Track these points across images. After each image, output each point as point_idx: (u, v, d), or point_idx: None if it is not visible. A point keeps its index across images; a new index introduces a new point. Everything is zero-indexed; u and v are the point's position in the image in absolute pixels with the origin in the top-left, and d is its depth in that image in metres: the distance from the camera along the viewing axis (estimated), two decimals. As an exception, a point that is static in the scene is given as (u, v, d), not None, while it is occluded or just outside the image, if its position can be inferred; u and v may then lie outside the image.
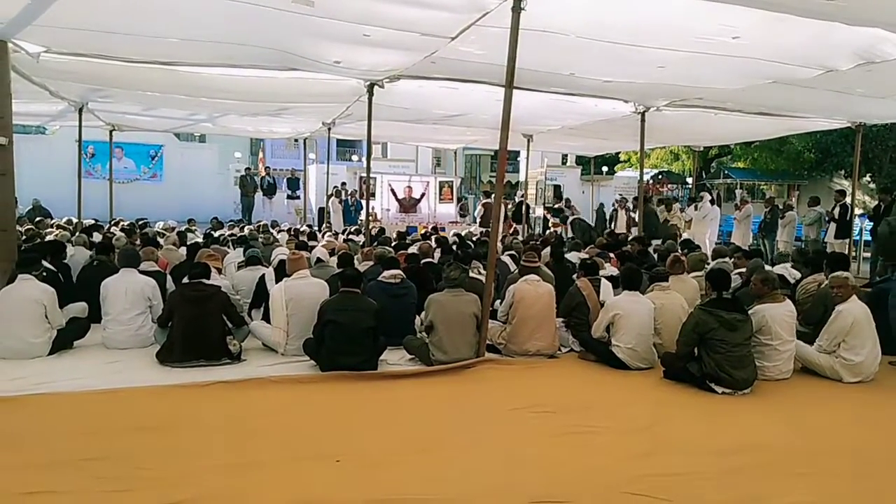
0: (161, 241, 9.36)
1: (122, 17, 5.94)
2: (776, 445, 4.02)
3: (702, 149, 17.45)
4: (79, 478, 3.22)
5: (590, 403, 4.74)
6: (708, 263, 7.89)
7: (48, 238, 8.99)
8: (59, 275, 6.40)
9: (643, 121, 9.88)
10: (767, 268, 6.75)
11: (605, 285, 6.31)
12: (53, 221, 12.92)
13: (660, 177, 25.21)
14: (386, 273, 6.02)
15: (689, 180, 22.42)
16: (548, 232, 15.29)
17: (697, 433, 4.21)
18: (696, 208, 13.64)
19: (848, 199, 11.70)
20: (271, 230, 12.06)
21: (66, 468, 3.33)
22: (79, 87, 9.54)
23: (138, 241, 8.99)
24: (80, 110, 11.35)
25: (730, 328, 4.89)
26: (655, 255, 8.53)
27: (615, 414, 4.52)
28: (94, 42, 6.84)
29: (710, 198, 14.56)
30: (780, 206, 13.48)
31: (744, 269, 7.20)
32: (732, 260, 7.90)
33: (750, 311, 5.16)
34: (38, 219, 13.22)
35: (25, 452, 3.52)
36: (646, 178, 16.57)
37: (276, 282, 6.08)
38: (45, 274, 5.85)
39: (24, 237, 9.03)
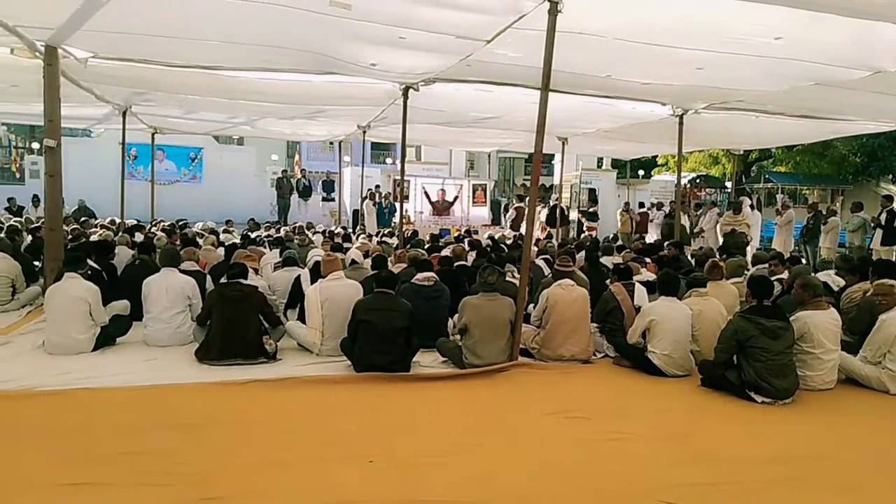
0: (200, 241, 9.56)
1: (165, 21, 6.09)
2: (818, 457, 3.91)
3: (742, 152, 17.09)
4: (121, 471, 3.31)
5: (625, 410, 4.68)
6: (747, 269, 7.72)
7: (93, 238, 9.26)
8: (104, 273, 6.58)
9: (681, 124, 9.72)
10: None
11: (640, 290, 6.23)
12: (97, 221, 13.31)
13: (698, 181, 24.73)
14: (419, 275, 6.04)
15: (729, 184, 21.97)
16: (582, 236, 15.14)
17: (736, 442, 4.12)
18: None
19: (895, 205, 11.31)
20: (306, 232, 12.23)
21: (110, 461, 3.42)
22: (123, 90, 9.80)
23: (178, 242, 9.20)
24: (124, 113, 11.67)
25: (771, 336, 4.77)
26: (693, 261, 8.38)
27: (651, 421, 4.45)
28: (138, 47, 7.03)
29: (749, 202, 14.23)
30: (824, 212, 13.12)
31: (784, 276, 7.03)
32: (772, 266, 7.71)
33: (791, 318, 5.03)
34: (83, 219, 13.65)
35: (71, 445, 3.63)
36: (683, 181, 16.26)
37: (312, 283, 6.16)
38: (89, 272, 6.02)
39: (70, 236, 9.32)
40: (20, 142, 30.34)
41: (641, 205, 18.61)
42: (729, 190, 20.87)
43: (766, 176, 26.30)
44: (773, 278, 6.85)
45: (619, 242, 12.20)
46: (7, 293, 6.93)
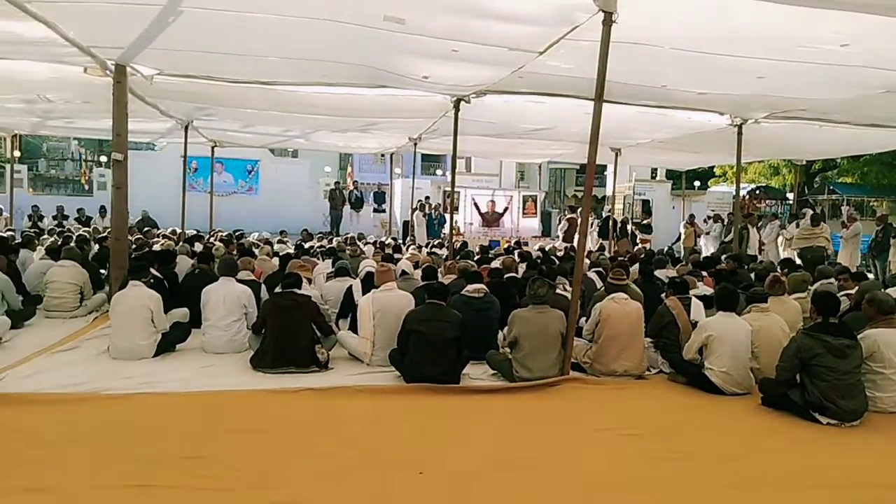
0: (256, 251, 9.80)
1: (226, 39, 6.32)
2: (889, 484, 3.70)
3: (804, 163, 16.47)
4: (181, 474, 3.40)
5: (681, 428, 4.54)
6: (811, 285, 7.41)
7: (156, 247, 9.62)
8: (165, 282, 6.82)
9: (740, 133, 9.45)
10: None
11: (696, 305, 6.05)
12: (160, 231, 13.83)
13: (757, 192, 23.95)
14: (469, 287, 6.03)
15: (790, 196, 21.20)
16: (636, 248, 14.85)
17: (799, 466, 3.94)
18: (797, 226, 12.86)
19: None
20: (358, 242, 12.39)
21: (170, 464, 3.53)
22: (186, 105, 10.21)
23: (235, 251, 9.46)
24: (186, 128, 12.14)
25: (837, 355, 4.55)
26: (752, 275, 8.10)
27: (708, 440, 4.31)
28: (201, 63, 7.31)
29: (812, 214, 13.69)
30: (894, 225, 12.49)
31: (851, 292, 6.71)
32: (838, 282, 7.39)
33: (859, 336, 4.79)
34: (145, 229, 14.20)
35: (133, 447, 3.76)
36: (742, 193, 15.77)
37: (364, 293, 6.23)
38: (152, 281, 6.25)
39: (133, 246, 9.71)
40: (89, 155, 31.89)
41: (692, 216, 18.13)
42: (790, 202, 20.13)
43: (831, 187, 25.28)
44: (841, 294, 6.58)
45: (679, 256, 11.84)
46: (76, 300, 7.24)
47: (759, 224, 14.74)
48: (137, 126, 11.03)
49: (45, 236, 11.71)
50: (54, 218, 16.47)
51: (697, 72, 6.64)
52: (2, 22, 5.63)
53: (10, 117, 12.26)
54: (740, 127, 9.33)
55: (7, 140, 16.86)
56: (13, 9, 5.16)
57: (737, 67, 6.23)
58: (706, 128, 9.79)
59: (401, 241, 14.63)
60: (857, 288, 6.77)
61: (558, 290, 6.40)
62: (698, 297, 6.29)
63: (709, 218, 17.04)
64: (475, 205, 18.06)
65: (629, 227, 17.01)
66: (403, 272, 7.47)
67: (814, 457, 4.12)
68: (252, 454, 3.73)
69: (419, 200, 17.64)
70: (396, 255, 9.75)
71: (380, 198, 20.56)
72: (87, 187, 23.12)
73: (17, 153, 17.23)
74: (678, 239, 16.92)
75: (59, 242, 9.50)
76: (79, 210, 16.95)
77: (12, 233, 11.92)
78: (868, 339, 4.82)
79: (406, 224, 18.17)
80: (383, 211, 20.03)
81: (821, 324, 4.78)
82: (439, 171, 29.55)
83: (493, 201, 18.26)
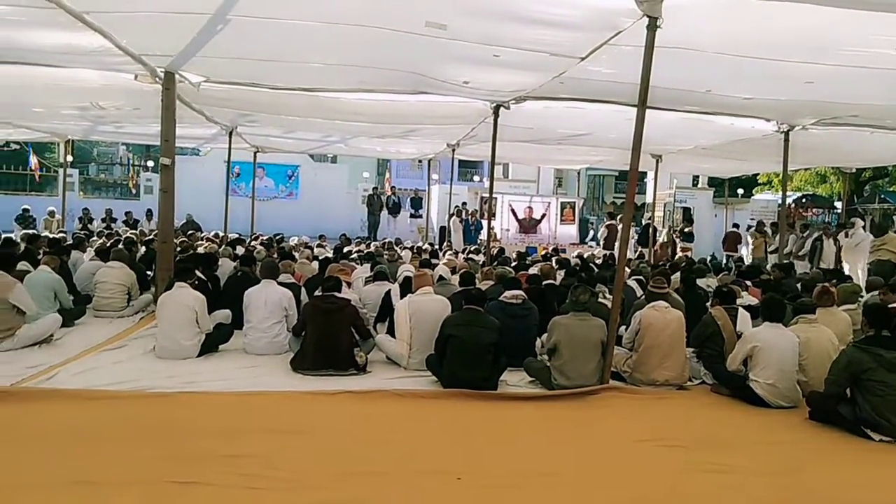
0: (296, 254, 9.94)
1: (271, 47, 6.45)
2: (949, 505, 3.54)
3: (854, 170, 15.95)
4: (222, 472, 3.46)
5: (724, 440, 4.43)
6: (862, 296, 7.16)
7: (200, 250, 9.85)
8: (209, 284, 6.97)
9: (787, 140, 9.21)
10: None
11: (743, 315, 5.90)
12: (203, 235, 14.15)
13: (804, 200, 23.29)
14: (507, 293, 6.01)
15: (839, 204, 20.55)
16: (677, 256, 14.59)
17: (849, 483, 3.80)
18: (847, 235, 12.43)
19: None
20: (395, 247, 12.47)
21: (212, 462, 3.59)
22: (231, 112, 10.44)
23: (276, 255, 9.62)
24: (231, 133, 12.42)
25: (891, 369, 4.38)
26: (799, 286, 7.87)
27: (753, 454, 4.18)
28: (246, 71, 7.48)
29: (862, 224, 13.22)
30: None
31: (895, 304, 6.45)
32: (880, 295, 7.08)
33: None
34: (190, 232, 14.55)
35: (175, 444, 3.84)
36: (788, 201, 15.33)
37: (401, 297, 6.26)
38: (196, 282, 6.40)
39: (178, 248, 9.96)
40: (137, 160, 32.86)
41: (736, 226, 17.74)
42: (839, 210, 19.51)
43: (882, 195, 24.40)
44: (889, 306, 6.32)
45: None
46: (123, 300, 7.46)
47: (806, 234, 14.30)
48: (184, 132, 11.28)
49: (95, 238, 12.09)
50: (103, 220, 17.02)
51: (742, 77, 6.50)
52: (60, 32, 5.85)
53: (65, 123, 12.73)
54: (787, 133, 9.10)
55: (61, 145, 17.46)
56: (71, 20, 5.37)
57: (783, 72, 6.08)
58: (751, 134, 9.56)
59: (437, 247, 14.66)
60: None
61: (598, 299, 6.33)
62: (743, 307, 6.14)
63: (749, 227, 16.68)
64: (512, 211, 17.99)
65: (662, 235, 16.60)
66: (441, 277, 7.49)
67: (864, 473, 3.97)
68: (290, 455, 3.77)
69: (456, 206, 17.66)
70: (434, 261, 9.78)
71: (417, 203, 20.65)
72: (134, 191, 23.80)
73: (69, 158, 17.85)
74: (725, 246, 16.53)
75: (108, 244, 9.81)
76: (126, 213, 17.47)
77: (64, 234, 12.34)
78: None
79: (443, 230, 18.20)
80: (420, 216, 20.10)
81: (873, 336, 4.62)
82: (476, 177, 29.53)
83: (530, 207, 18.16)
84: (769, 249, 13.88)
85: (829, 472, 3.97)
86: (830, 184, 23.99)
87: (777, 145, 9.40)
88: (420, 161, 22.08)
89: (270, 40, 6.18)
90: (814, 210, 23.16)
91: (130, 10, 5.41)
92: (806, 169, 21.56)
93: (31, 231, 13.09)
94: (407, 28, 5.49)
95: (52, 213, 15.81)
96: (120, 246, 9.11)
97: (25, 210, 15.86)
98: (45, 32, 6.02)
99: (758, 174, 23.70)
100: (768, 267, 10.31)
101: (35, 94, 9.41)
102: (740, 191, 22.47)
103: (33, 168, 19.55)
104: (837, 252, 11.90)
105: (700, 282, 8.03)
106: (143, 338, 6.46)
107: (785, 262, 9.94)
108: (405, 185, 24.76)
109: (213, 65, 7.18)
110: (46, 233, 13.15)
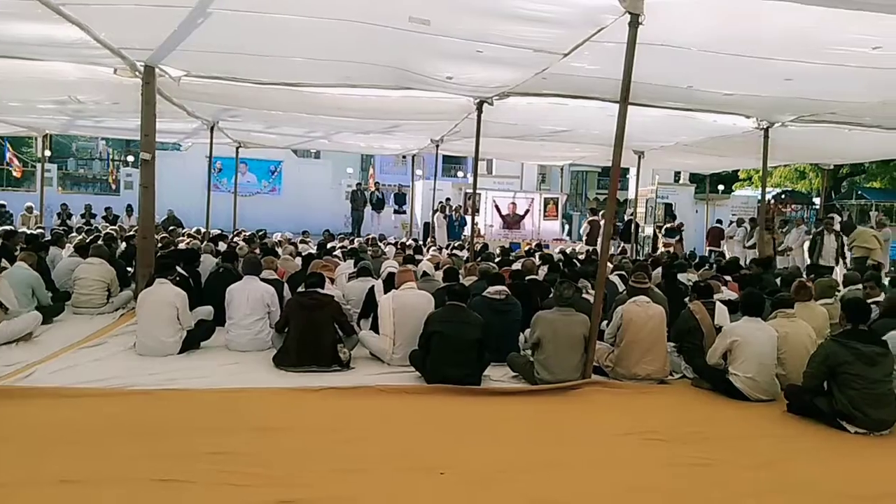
0: (279, 250, 9.88)
1: (253, 41, 6.39)
2: (921, 495, 3.62)
3: (832, 166, 16.19)
4: (205, 470, 3.43)
5: (704, 434, 4.48)
6: (839, 290, 7.28)
7: (181, 246, 9.75)
8: (190, 280, 6.91)
9: (766, 137, 9.32)
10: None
11: (721, 309, 5.97)
12: (184, 231, 14.02)
13: (783, 196, 23.62)
14: (491, 289, 6.02)
15: (817, 200, 20.86)
16: (658, 252, 14.72)
17: (826, 474, 3.87)
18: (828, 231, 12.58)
19: None
20: (379, 243, 12.44)
21: (194, 459, 3.56)
22: (212, 107, 10.34)
23: (258, 251, 9.55)
24: (212, 128, 12.30)
25: (868, 362, 4.46)
26: (778, 281, 7.98)
27: (733, 447, 4.25)
28: (228, 65, 7.40)
29: (839, 220, 13.43)
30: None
31: (879, 299, 6.58)
32: (864, 289, 7.23)
33: (891, 345, 4.69)
34: (171, 227, 14.40)
35: (158, 442, 3.81)
36: (767, 197, 15.50)
37: (385, 293, 6.25)
38: (178, 279, 6.34)
39: (159, 244, 9.86)
40: (116, 155, 32.42)
41: (719, 221, 17.93)
42: (817, 206, 19.81)
43: (859, 192, 24.82)
44: (870, 300, 6.45)
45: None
46: (103, 297, 7.36)
47: (785, 229, 14.49)
48: (164, 126, 11.17)
49: (74, 234, 11.92)
50: (82, 216, 16.79)
51: (724, 73, 6.57)
52: (36, 25, 5.75)
53: (42, 117, 12.52)
54: (767, 130, 9.21)
55: (38, 140, 17.18)
56: (48, 11, 5.28)
57: (764, 69, 6.15)
58: (732, 131, 9.68)
59: (421, 243, 14.65)
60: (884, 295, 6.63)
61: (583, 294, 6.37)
62: (723, 302, 6.21)
63: (731, 223, 16.87)
64: (496, 207, 18.02)
65: (642, 232, 16.67)
66: (425, 273, 7.49)
67: (841, 465, 4.04)
68: (274, 451, 3.76)
69: (440, 202, 17.65)
70: (417, 257, 9.76)
71: (400, 199, 20.61)
72: (114, 186, 23.51)
73: (47, 153, 17.57)
74: (708, 241, 16.63)
75: (87, 240, 9.66)
76: (106, 209, 17.25)
77: (42, 230, 12.15)
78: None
79: (427, 225, 18.18)
80: (404, 212, 20.07)
81: (851, 330, 4.70)
82: (460, 173, 29.58)
83: (514, 203, 18.19)
84: (779, 249, 13.54)
85: (807, 464, 4.04)
86: (809, 180, 24.36)
87: (757, 142, 9.52)
88: (404, 157, 22.02)
89: (252, 34, 6.12)
90: (793, 206, 23.49)
91: (109, 2, 5.33)
92: (785, 165, 21.88)
93: (7, 227, 12.87)
94: (390, 23, 5.48)
95: (29, 209, 15.54)
96: (99, 242, 8.98)
97: (2, 206, 15.59)
98: (20, 24, 5.92)
99: (738, 170, 23.98)
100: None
101: (10, 88, 9.24)
102: (721, 187, 22.75)
103: (9, 163, 19.21)
104: (840, 247, 11.99)
105: (681, 276, 8.12)
106: (123, 335, 6.38)
107: (766, 257, 10.06)
108: (389, 181, 24.72)
109: (194, 59, 7.10)
110: (24, 229, 12.93)
